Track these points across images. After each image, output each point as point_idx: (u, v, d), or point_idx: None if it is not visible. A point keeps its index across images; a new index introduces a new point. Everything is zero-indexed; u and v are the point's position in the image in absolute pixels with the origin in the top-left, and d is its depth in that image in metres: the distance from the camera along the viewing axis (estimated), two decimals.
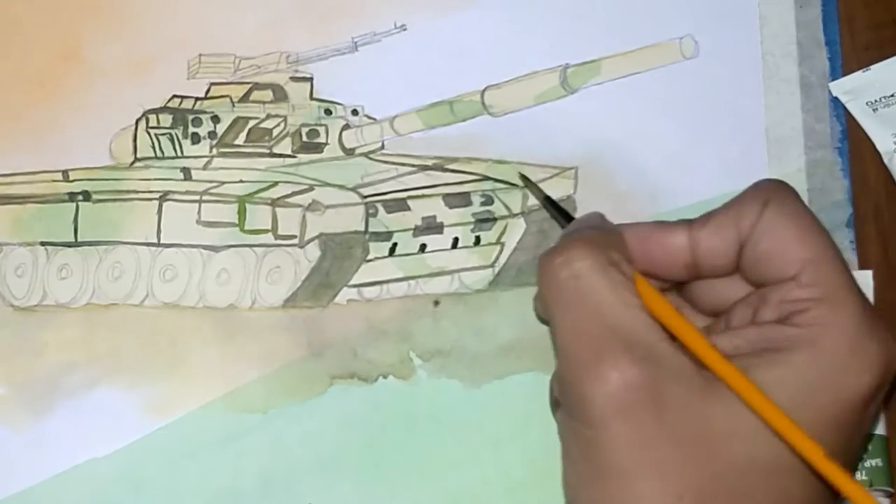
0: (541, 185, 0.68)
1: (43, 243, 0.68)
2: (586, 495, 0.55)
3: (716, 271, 0.58)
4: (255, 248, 0.68)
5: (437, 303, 0.67)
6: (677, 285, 0.61)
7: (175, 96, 0.69)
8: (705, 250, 0.58)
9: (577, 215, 0.68)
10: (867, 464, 0.64)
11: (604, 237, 0.58)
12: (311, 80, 0.70)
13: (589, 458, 0.55)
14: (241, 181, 0.69)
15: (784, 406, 0.53)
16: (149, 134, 0.69)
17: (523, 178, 0.67)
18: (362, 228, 0.68)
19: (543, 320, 0.61)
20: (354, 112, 0.70)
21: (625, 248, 0.58)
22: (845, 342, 0.54)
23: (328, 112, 0.70)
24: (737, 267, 0.58)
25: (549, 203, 0.66)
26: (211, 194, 0.68)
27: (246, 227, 0.68)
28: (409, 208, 0.68)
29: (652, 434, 0.53)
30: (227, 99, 0.69)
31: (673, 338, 0.56)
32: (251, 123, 0.69)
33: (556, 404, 0.59)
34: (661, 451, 0.53)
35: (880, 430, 0.65)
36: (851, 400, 0.54)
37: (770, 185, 0.59)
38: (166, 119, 0.69)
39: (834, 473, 0.53)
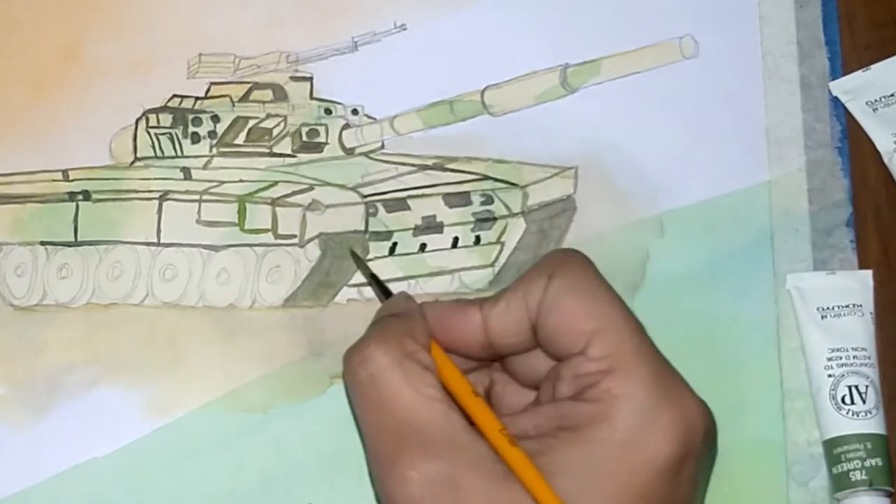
0: (540, 186, 0.68)
1: (43, 243, 0.68)
2: None
3: (513, 349, 0.58)
4: (255, 248, 0.68)
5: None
6: (501, 360, 0.60)
7: (175, 96, 0.69)
8: (497, 330, 0.57)
9: (577, 216, 0.68)
10: (867, 463, 0.64)
11: (402, 326, 0.57)
12: (310, 79, 0.70)
13: None
14: (241, 181, 0.69)
15: (581, 486, 0.52)
16: (149, 133, 0.69)
17: (352, 253, 0.66)
18: (362, 228, 0.68)
19: None
20: (354, 112, 0.70)
21: (425, 332, 0.57)
22: (637, 413, 0.53)
23: (328, 112, 0.70)
24: (536, 343, 0.58)
25: (373, 280, 0.64)
26: (211, 194, 0.68)
27: (246, 227, 0.68)
28: (409, 208, 0.68)
29: None
30: (227, 99, 0.69)
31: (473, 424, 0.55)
32: (251, 123, 0.69)
33: None
34: None
35: (880, 429, 0.65)
36: (652, 472, 0.53)
37: (556, 258, 0.58)
38: (166, 119, 0.69)
39: None
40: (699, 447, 0.55)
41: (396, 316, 0.58)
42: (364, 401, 0.56)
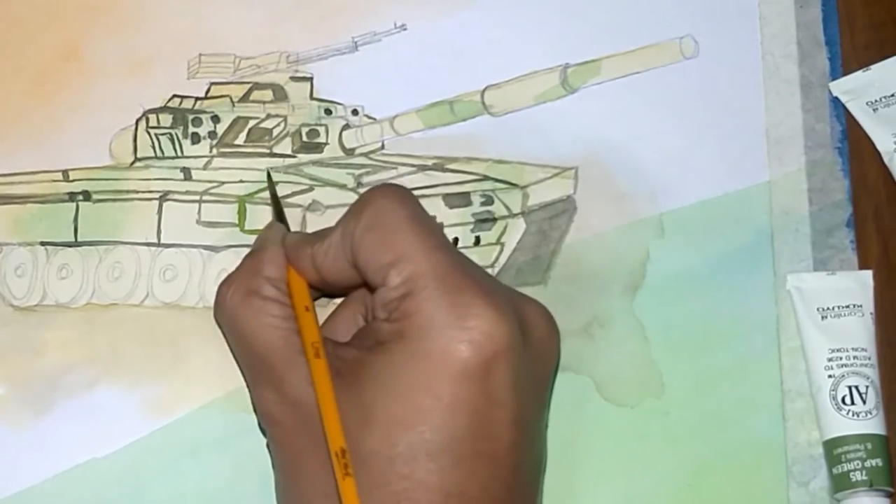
0: (540, 186, 0.68)
1: (43, 243, 0.68)
2: (277, 492, 0.62)
3: (342, 284, 0.62)
4: None
5: None
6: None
7: (175, 96, 0.69)
8: (323, 268, 0.62)
9: (577, 216, 0.68)
10: (867, 464, 0.64)
11: (250, 263, 0.63)
12: (311, 79, 0.70)
13: (272, 458, 0.62)
14: (241, 181, 0.69)
15: (385, 391, 0.57)
16: (149, 134, 0.69)
17: (268, 174, 0.68)
18: None
19: None
20: (354, 112, 0.70)
21: (276, 263, 0.62)
22: (424, 325, 0.57)
23: (328, 112, 0.70)
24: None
25: (273, 201, 0.67)
26: (211, 194, 0.68)
27: (246, 227, 0.68)
28: None
29: (300, 441, 0.59)
30: (227, 99, 0.69)
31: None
32: (251, 123, 0.69)
33: None
34: (307, 455, 0.58)
35: (880, 430, 0.65)
36: (448, 376, 0.57)
37: (365, 196, 0.61)
38: (166, 119, 0.69)
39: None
40: (503, 351, 0.57)
41: (252, 253, 0.64)
42: (228, 340, 0.63)
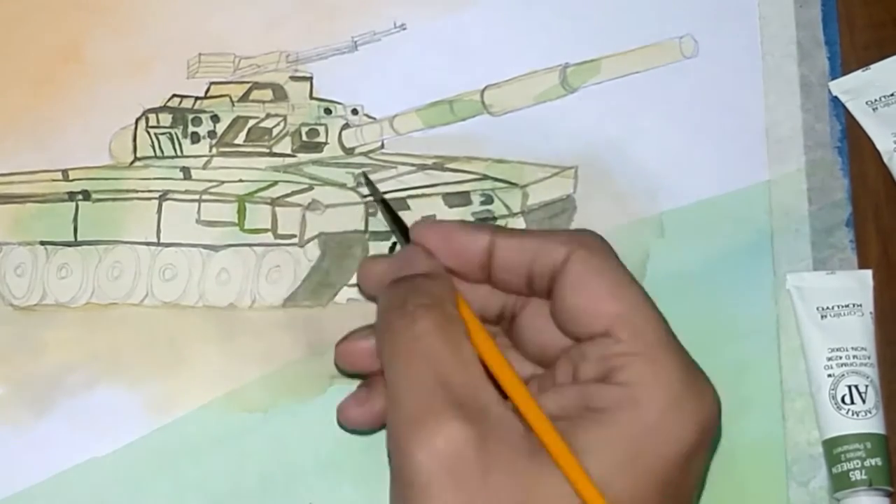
0: (540, 185, 0.68)
1: (43, 243, 0.68)
2: None
3: (506, 285, 0.58)
4: (255, 248, 0.68)
5: None
6: (507, 328, 0.60)
7: (175, 96, 0.69)
8: (500, 260, 0.58)
9: (577, 216, 0.68)
10: (867, 463, 0.64)
11: (439, 287, 0.57)
12: (310, 79, 0.70)
13: None
14: (240, 180, 0.69)
15: (608, 467, 0.52)
16: (148, 133, 0.69)
17: (365, 177, 0.67)
18: (362, 228, 0.68)
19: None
20: (354, 111, 0.70)
21: (454, 291, 0.57)
22: (665, 399, 0.53)
23: (328, 111, 0.70)
24: (527, 291, 0.58)
25: (389, 214, 0.65)
26: (211, 194, 0.68)
27: (246, 227, 0.68)
28: (408, 207, 0.68)
29: (475, 498, 0.52)
30: (227, 98, 0.69)
31: (506, 397, 0.55)
32: (251, 123, 0.69)
33: None
34: None
35: (880, 429, 0.65)
36: (674, 458, 0.54)
37: (578, 234, 0.58)
38: (166, 118, 0.69)
39: None
40: (712, 437, 0.56)
41: (428, 277, 0.58)
42: (403, 358, 0.55)
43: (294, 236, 0.68)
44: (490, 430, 0.53)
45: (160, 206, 0.68)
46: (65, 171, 0.68)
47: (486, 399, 0.54)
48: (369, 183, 0.67)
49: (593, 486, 0.52)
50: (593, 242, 0.58)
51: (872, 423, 0.65)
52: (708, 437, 0.55)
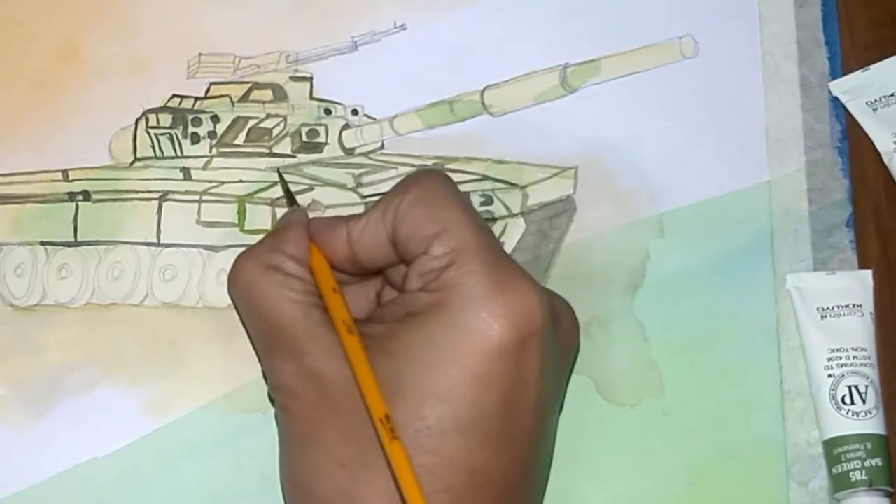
0: (540, 186, 0.68)
1: (43, 243, 0.68)
2: (285, 463, 0.60)
3: (375, 263, 0.62)
4: None
5: None
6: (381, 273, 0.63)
7: (175, 96, 0.69)
8: (359, 245, 0.61)
9: (577, 216, 0.68)
10: (867, 463, 0.64)
11: (270, 240, 0.62)
12: (310, 79, 0.70)
13: (281, 429, 0.61)
14: (240, 181, 0.69)
15: (419, 364, 0.57)
16: (148, 134, 0.69)
17: (278, 172, 0.68)
18: None
19: None
20: (354, 112, 0.70)
21: (298, 243, 0.61)
22: (469, 298, 0.57)
23: (328, 112, 0.70)
24: (398, 257, 0.61)
25: (287, 194, 0.67)
26: (211, 194, 0.68)
27: (246, 227, 0.68)
28: None
29: (317, 411, 0.58)
30: (227, 98, 0.69)
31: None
32: (251, 123, 0.69)
33: None
34: (325, 425, 0.58)
35: (880, 429, 0.65)
36: (485, 352, 0.57)
37: (412, 176, 0.61)
38: (166, 119, 0.69)
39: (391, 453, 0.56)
40: (538, 333, 0.57)
41: (274, 230, 0.63)
42: (242, 311, 0.62)
43: None
44: (318, 350, 0.59)
45: (160, 206, 0.68)
46: (65, 172, 0.68)
47: (310, 325, 0.60)
48: (280, 175, 0.67)
49: (371, 378, 0.57)
50: (424, 178, 0.61)
51: (872, 424, 0.65)
52: (527, 333, 0.57)
